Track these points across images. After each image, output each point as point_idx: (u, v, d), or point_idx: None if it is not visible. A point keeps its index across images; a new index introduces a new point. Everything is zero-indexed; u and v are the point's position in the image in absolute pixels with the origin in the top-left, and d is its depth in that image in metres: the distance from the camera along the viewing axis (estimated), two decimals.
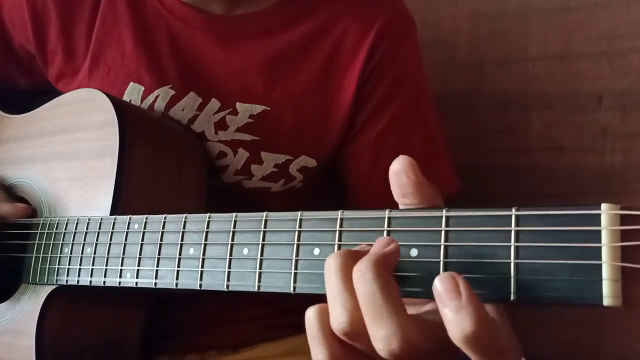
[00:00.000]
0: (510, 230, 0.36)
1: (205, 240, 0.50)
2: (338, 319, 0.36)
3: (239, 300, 0.76)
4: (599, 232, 0.33)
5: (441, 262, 0.38)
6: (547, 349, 1.06)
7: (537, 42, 1.04)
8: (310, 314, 0.38)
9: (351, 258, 0.37)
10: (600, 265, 0.33)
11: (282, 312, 0.76)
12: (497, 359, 0.34)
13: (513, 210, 0.36)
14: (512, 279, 0.36)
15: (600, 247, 0.33)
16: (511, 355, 0.35)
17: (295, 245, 0.44)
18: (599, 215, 0.33)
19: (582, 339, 1.04)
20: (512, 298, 0.36)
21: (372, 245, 0.39)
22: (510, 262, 0.36)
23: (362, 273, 0.35)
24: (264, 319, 0.76)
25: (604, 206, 0.34)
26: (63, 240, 0.61)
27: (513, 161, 1.09)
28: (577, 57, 1.00)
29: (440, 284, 0.34)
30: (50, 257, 0.62)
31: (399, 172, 0.39)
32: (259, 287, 0.46)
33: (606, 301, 0.33)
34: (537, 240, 0.35)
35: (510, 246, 0.36)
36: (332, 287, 0.37)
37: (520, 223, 0.36)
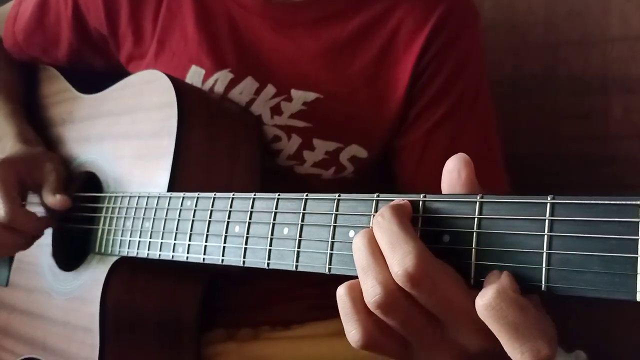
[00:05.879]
0: (545, 220, 0.35)
1: (250, 218, 0.51)
2: (372, 291, 0.37)
3: (292, 279, 0.77)
4: (637, 223, 0.31)
5: (473, 250, 0.37)
6: (619, 350, 1.01)
7: (618, 21, 0.98)
8: (342, 292, 0.39)
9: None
10: (636, 258, 0.31)
11: (333, 293, 0.77)
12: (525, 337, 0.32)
13: (548, 198, 0.35)
14: (544, 270, 0.34)
15: (637, 240, 0.31)
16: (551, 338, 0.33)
17: (331, 227, 0.45)
18: (638, 206, 0.31)
19: None
20: (542, 289, 0.34)
21: None
22: (542, 252, 0.35)
23: (381, 213, 0.38)
24: (316, 299, 0.77)
25: None
26: (125, 215, 0.65)
27: (590, 150, 1.03)
28: None
29: None
30: (115, 229, 0.66)
31: (452, 169, 0.39)
32: (296, 266, 0.47)
33: None
34: (571, 231, 0.34)
35: (543, 236, 0.35)
36: (363, 261, 0.38)
37: (555, 212, 0.35)
